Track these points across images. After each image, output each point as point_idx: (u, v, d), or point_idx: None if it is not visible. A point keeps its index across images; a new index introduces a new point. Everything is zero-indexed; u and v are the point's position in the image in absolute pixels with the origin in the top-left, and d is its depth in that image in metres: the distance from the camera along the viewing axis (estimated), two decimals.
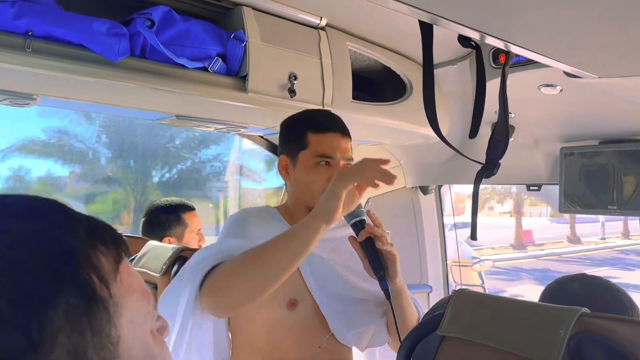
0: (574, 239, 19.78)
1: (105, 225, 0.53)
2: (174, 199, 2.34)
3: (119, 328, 0.48)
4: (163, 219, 2.24)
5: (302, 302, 1.40)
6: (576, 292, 1.13)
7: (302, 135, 1.42)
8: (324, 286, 1.42)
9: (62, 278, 0.45)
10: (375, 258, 1.32)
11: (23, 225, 0.48)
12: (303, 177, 1.41)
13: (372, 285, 1.42)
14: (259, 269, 1.21)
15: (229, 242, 1.37)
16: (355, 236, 1.34)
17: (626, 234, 20.29)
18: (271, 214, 1.49)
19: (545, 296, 1.18)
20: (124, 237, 0.54)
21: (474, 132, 1.33)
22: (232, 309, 1.31)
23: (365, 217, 1.35)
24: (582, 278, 1.17)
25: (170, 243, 2.18)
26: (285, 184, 1.52)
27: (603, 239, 20.50)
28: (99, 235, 0.51)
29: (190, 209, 2.31)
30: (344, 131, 1.44)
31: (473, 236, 1.44)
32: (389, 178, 1.19)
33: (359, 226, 1.34)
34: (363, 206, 1.43)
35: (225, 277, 1.24)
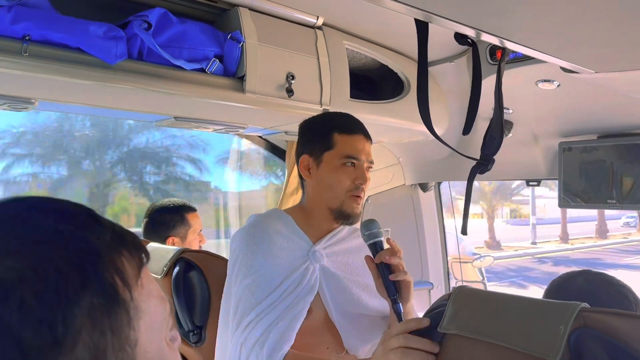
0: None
1: (129, 232, 0.55)
2: (176, 200, 2.34)
3: (138, 331, 0.50)
4: (167, 218, 2.23)
5: (316, 311, 1.42)
6: (580, 287, 1.13)
7: (328, 136, 1.43)
8: (336, 302, 1.44)
9: (88, 277, 0.47)
10: (390, 283, 1.32)
11: (53, 224, 0.50)
12: (328, 177, 1.43)
13: (380, 302, 1.43)
14: None
15: (259, 277, 1.37)
16: (372, 257, 1.35)
17: (565, 238, 20.43)
18: (283, 220, 1.47)
19: (549, 292, 1.18)
20: (145, 245, 0.56)
21: (467, 129, 1.33)
22: None
23: (383, 239, 1.35)
24: (586, 274, 1.17)
25: (174, 243, 2.18)
26: (303, 185, 1.51)
27: (534, 243, 20.64)
28: (124, 241, 0.53)
29: (193, 209, 2.31)
30: (367, 135, 1.48)
31: (464, 231, 1.45)
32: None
33: (377, 248, 1.34)
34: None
35: None
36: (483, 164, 1.34)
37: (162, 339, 0.53)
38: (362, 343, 1.44)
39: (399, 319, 1.30)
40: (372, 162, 1.47)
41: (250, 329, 1.31)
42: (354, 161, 1.43)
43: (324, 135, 1.44)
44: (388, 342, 0.97)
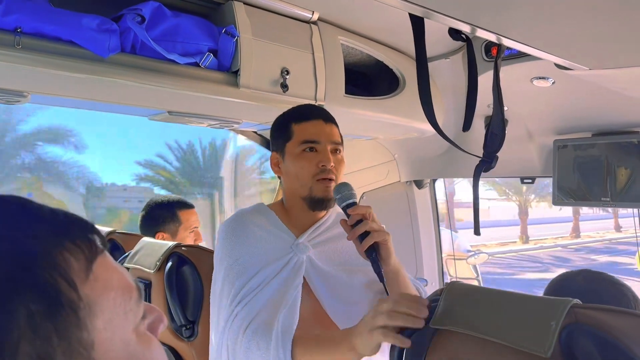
0: None
1: (76, 219, 0.49)
2: (173, 196, 2.35)
3: (93, 330, 0.45)
4: (158, 214, 2.25)
5: (305, 303, 1.38)
6: (580, 286, 1.14)
7: (286, 128, 1.43)
8: (327, 290, 1.42)
9: (20, 284, 0.42)
10: (366, 243, 1.29)
11: None
12: (292, 167, 1.41)
13: (373, 282, 1.41)
14: None
15: (239, 267, 1.37)
16: (347, 218, 1.33)
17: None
18: (265, 215, 1.48)
19: (549, 290, 1.18)
20: (98, 229, 0.50)
21: (467, 126, 1.33)
22: None
23: (356, 200, 1.34)
24: (585, 272, 1.17)
25: (164, 239, 2.18)
26: (280, 181, 1.51)
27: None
28: (67, 232, 0.47)
29: (188, 206, 2.31)
30: (327, 118, 1.44)
31: (476, 231, 1.43)
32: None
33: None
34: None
35: None
36: (487, 162, 1.33)
37: (129, 333, 0.48)
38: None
39: (380, 278, 1.29)
40: (338, 143, 1.43)
41: (233, 317, 1.30)
42: (313, 145, 1.39)
43: (283, 128, 1.44)
44: (375, 319, 1.00)
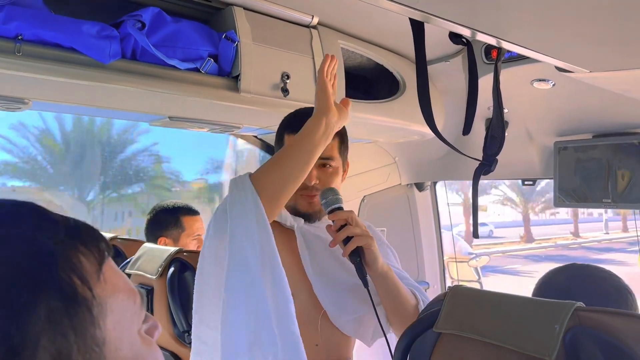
0: None
1: (85, 225, 0.52)
2: (179, 202, 2.34)
3: (104, 329, 0.48)
4: (161, 219, 2.24)
5: (299, 294, 1.36)
6: (559, 285, 1.11)
7: (281, 137, 1.44)
8: (321, 274, 1.41)
9: (41, 280, 0.45)
10: (350, 247, 1.30)
11: None
12: None
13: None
14: (284, 167, 1.27)
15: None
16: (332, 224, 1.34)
17: None
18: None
19: (536, 289, 1.16)
20: (105, 237, 0.53)
21: (467, 129, 1.33)
22: (273, 194, 1.28)
23: (342, 205, 1.35)
24: (567, 270, 1.14)
25: (166, 244, 2.18)
26: None
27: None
28: (79, 236, 0.50)
29: (192, 212, 2.31)
30: None
31: (475, 233, 1.43)
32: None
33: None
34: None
35: (263, 171, 1.29)
36: (486, 165, 1.33)
37: (135, 334, 0.51)
38: (347, 314, 1.40)
39: (364, 283, 1.30)
40: (326, 158, 1.40)
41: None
42: None
43: (279, 138, 1.45)
44: None
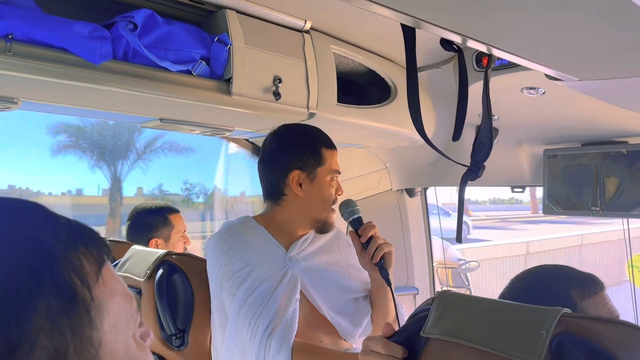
0: None
1: (87, 228, 0.53)
2: (158, 202, 2.33)
3: (101, 331, 0.48)
4: (150, 220, 2.22)
5: (301, 311, 1.43)
6: (518, 288, 1.08)
7: (318, 152, 1.49)
8: (323, 296, 1.49)
9: (43, 279, 0.45)
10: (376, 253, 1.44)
11: (2, 226, 0.48)
12: (322, 192, 1.49)
13: (361, 282, 1.55)
14: None
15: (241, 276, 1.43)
16: (355, 232, 1.47)
17: None
18: (254, 229, 1.52)
19: (506, 290, 1.11)
20: (106, 241, 0.54)
21: (457, 135, 1.34)
22: None
23: (361, 215, 1.48)
24: (532, 273, 1.10)
25: (157, 245, 2.17)
26: (284, 198, 1.51)
27: None
28: (81, 237, 0.51)
29: (175, 210, 2.30)
30: None
31: (458, 238, 1.46)
32: None
33: (357, 223, 1.47)
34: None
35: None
36: (474, 171, 1.35)
37: (130, 338, 0.52)
38: (354, 327, 1.51)
39: (388, 283, 1.44)
40: (338, 172, 1.57)
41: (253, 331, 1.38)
42: (337, 175, 1.53)
43: (313, 151, 1.49)
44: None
